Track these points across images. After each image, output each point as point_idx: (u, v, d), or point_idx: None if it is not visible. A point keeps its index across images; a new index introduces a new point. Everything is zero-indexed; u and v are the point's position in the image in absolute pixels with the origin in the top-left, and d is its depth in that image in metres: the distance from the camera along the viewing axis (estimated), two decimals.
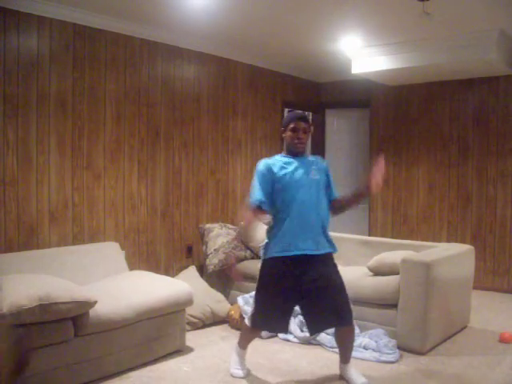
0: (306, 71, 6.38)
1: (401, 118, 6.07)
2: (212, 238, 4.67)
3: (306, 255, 2.88)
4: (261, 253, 3.05)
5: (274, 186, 2.94)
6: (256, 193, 2.94)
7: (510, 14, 3.99)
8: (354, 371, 3.09)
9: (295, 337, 3.79)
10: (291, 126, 2.96)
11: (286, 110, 6.31)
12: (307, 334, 3.72)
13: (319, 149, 6.77)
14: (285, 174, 2.93)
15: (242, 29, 4.56)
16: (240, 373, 3.16)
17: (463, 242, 5.21)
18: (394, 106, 6.11)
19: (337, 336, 3.10)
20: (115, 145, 4.32)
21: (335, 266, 3.00)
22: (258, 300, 3.00)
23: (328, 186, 3.07)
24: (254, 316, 3.02)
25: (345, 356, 3.11)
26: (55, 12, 3.80)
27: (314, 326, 2.98)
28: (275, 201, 2.95)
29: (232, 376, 3.15)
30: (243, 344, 3.21)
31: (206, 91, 5.17)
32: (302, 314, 3.02)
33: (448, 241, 5.47)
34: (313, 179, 2.96)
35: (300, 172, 2.95)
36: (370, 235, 6.11)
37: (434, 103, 5.79)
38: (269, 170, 2.95)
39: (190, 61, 4.99)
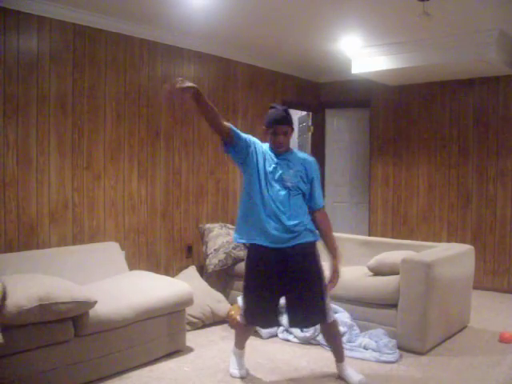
0: (306, 71, 6.38)
1: (401, 117, 6.07)
2: (212, 238, 4.67)
3: (279, 248, 2.89)
4: (234, 236, 3.06)
5: (248, 162, 2.95)
6: (233, 135, 2.91)
7: (510, 13, 3.99)
8: (350, 369, 3.10)
9: (295, 337, 3.79)
10: (271, 130, 2.96)
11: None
12: (307, 334, 3.72)
13: (319, 149, 6.77)
14: (261, 164, 2.94)
15: (241, 29, 4.56)
16: (239, 373, 3.16)
17: (463, 241, 5.21)
18: (393, 106, 6.11)
19: (322, 332, 3.18)
20: (115, 145, 4.32)
21: (314, 258, 2.96)
22: (245, 293, 3.07)
23: (310, 191, 3.03)
24: (245, 311, 3.06)
25: (336, 354, 3.11)
26: (55, 12, 3.80)
27: (293, 322, 3.03)
28: (246, 178, 3.01)
29: (231, 376, 3.15)
30: (239, 344, 3.21)
31: (206, 91, 5.16)
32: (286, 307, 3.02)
33: (448, 241, 5.47)
34: (287, 182, 2.93)
35: (277, 171, 2.94)
36: (370, 235, 6.11)
37: (434, 103, 5.79)
38: (254, 143, 2.98)
39: (190, 61, 4.99)
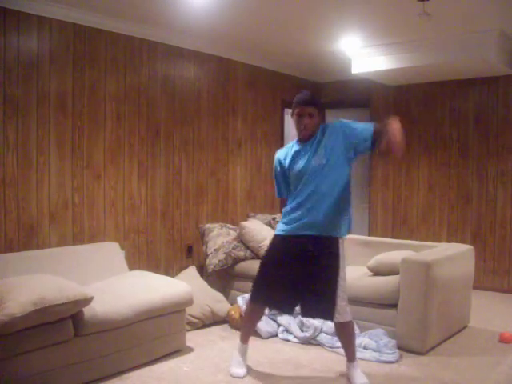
0: (306, 71, 6.38)
1: (401, 117, 6.02)
2: (212, 237, 4.67)
3: (307, 237, 2.91)
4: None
5: (288, 174, 3.07)
6: (276, 189, 3.21)
7: (510, 13, 3.99)
8: (357, 371, 3.07)
9: (295, 337, 3.79)
10: (296, 110, 2.95)
11: (286, 110, 6.32)
12: (307, 334, 3.72)
13: None
14: (291, 166, 3.01)
15: (242, 29, 4.56)
16: (239, 372, 3.15)
17: (463, 242, 5.21)
18: (393, 106, 6.11)
19: (335, 330, 3.15)
20: (115, 145, 4.32)
21: (336, 254, 2.94)
22: (260, 273, 3.07)
23: (354, 143, 2.91)
24: (254, 290, 3.08)
25: (347, 353, 3.11)
26: (55, 12, 3.80)
27: (304, 310, 3.04)
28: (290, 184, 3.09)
29: (231, 375, 3.15)
30: (244, 337, 3.22)
31: (206, 91, 5.17)
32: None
33: (448, 241, 5.47)
34: (317, 166, 2.91)
35: (303, 161, 2.95)
36: (369, 235, 6.10)
37: (434, 103, 5.79)
38: (279, 163, 3.11)
39: (190, 61, 4.99)
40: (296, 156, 3.00)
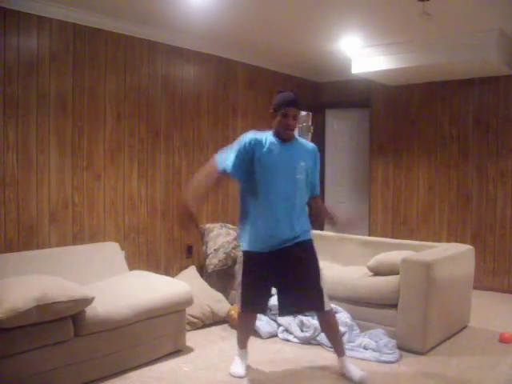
0: (306, 71, 6.38)
1: (401, 117, 6.07)
2: (212, 237, 4.67)
3: (283, 247, 2.94)
4: (238, 234, 3.17)
5: (254, 165, 2.91)
6: (227, 160, 2.90)
7: (510, 13, 3.99)
8: (351, 364, 3.12)
9: (295, 337, 3.79)
10: (282, 111, 2.93)
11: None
12: (307, 334, 3.72)
13: (319, 149, 6.71)
14: (268, 157, 2.91)
15: (242, 29, 4.56)
16: (239, 371, 3.16)
17: (463, 242, 5.20)
18: (393, 106, 6.11)
19: (320, 324, 3.22)
20: (115, 145, 4.32)
21: (313, 253, 3.03)
22: (243, 285, 3.08)
23: (311, 178, 3.08)
24: (242, 300, 3.11)
25: (336, 347, 3.16)
26: (55, 12, 3.80)
27: (285, 308, 3.06)
28: (253, 180, 2.93)
29: (231, 375, 3.15)
30: (241, 343, 3.25)
31: (206, 91, 5.17)
32: (277, 295, 3.08)
33: (448, 241, 5.47)
34: (297, 171, 2.96)
35: (284, 159, 2.94)
36: (370, 235, 6.10)
37: (433, 103, 5.79)
38: (253, 145, 2.92)
39: (190, 61, 4.99)
40: (273, 148, 2.94)
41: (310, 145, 3.18)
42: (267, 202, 2.92)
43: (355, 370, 3.07)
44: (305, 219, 3.07)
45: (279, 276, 2.99)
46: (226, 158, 2.92)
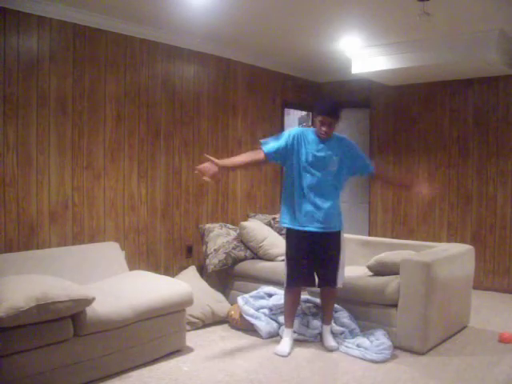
0: (306, 71, 6.38)
1: (401, 117, 6.07)
2: (212, 237, 4.67)
3: (314, 232, 3.46)
4: (279, 220, 3.69)
5: (294, 155, 3.44)
6: (269, 144, 3.45)
7: (510, 13, 3.99)
8: (329, 334, 3.62)
9: (300, 334, 3.77)
10: (319, 118, 3.42)
11: (286, 110, 6.32)
12: (307, 334, 3.73)
13: None
14: (306, 151, 3.44)
15: (242, 29, 4.56)
16: (284, 350, 3.50)
17: (463, 241, 5.21)
18: (393, 106, 6.11)
19: (320, 295, 3.72)
20: (115, 145, 4.32)
21: (338, 241, 3.57)
22: (287, 263, 3.57)
23: (355, 162, 3.57)
24: (287, 278, 3.55)
25: (325, 315, 3.66)
26: (55, 12, 3.80)
27: (312, 279, 3.59)
28: (292, 169, 3.46)
29: (275, 353, 3.49)
30: (288, 321, 3.62)
31: (206, 91, 5.17)
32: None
33: (448, 241, 5.47)
34: (330, 166, 3.46)
35: (320, 154, 3.44)
36: (370, 235, 6.11)
37: (433, 103, 5.79)
38: (297, 138, 3.46)
39: (190, 61, 4.99)
40: (313, 144, 3.47)
41: (343, 138, 3.61)
42: (301, 192, 3.45)
43: (329, 341, 3.59)
44: (336, 210, 3.52)
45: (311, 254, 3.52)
46: (269, 142, 3.47)
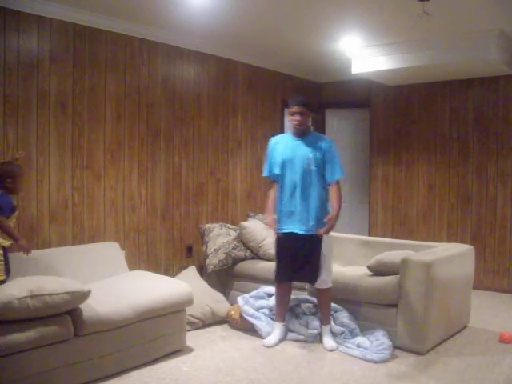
0: (306, 71, 6.38)
1: (401, 117, 6.07)
2: (212, 237, 4.67)
3: (295, 233, 3.57)
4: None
5: (277, 160, 3.63)
6: (266, 169, 3.73)
7: (510, 14, 3.99)
8: (328, 334, 3.66)
9: (300, 334, 3.78)
10: (290, 110, 3.62)
11: (286, 110, 6.32)
12: (307, 334, 3.73)
13: None
14: (281, 153, 3.62)
15: (242, 29, 4.56)
16: (269, 341, 3.64)
17: (463, 242, 5.21)
18: (393, 106, 6.11)
19: (316, 295, 3.78)
20: (115, 145, 4.32)
21: (317, 243, 3.56)
22: (275, 259, 3.75)
23: (324, 166, 3.57)
24: (275, 272, 3.72)
25: (323, 317, 3.71)
26: (55, 12, 3.80)
27: (294, 275, 3.68)
28: (280, 172, 3.62)
29: (263, 345, 3.63)
30: (279, 315, 3.75)
31: (206, 91, 5.17)
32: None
33: (448, 241, 5.47)
34: (307, 164, 3.54)
35: (294, 153, 3.58)
36: (370, 235, 6.11)
37: (434, 103, 5.79)
38: (272, 148, 3.71)
39: (190, 61, 4.99)
40: (289, 146, 3.63)
41: (323, 138, 3.75)
42: (284, 192, 3.60)
43: (328, 341, 3.62)
44: (314, 212, 3.54)
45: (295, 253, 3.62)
46: (265, 168, 3.75)
